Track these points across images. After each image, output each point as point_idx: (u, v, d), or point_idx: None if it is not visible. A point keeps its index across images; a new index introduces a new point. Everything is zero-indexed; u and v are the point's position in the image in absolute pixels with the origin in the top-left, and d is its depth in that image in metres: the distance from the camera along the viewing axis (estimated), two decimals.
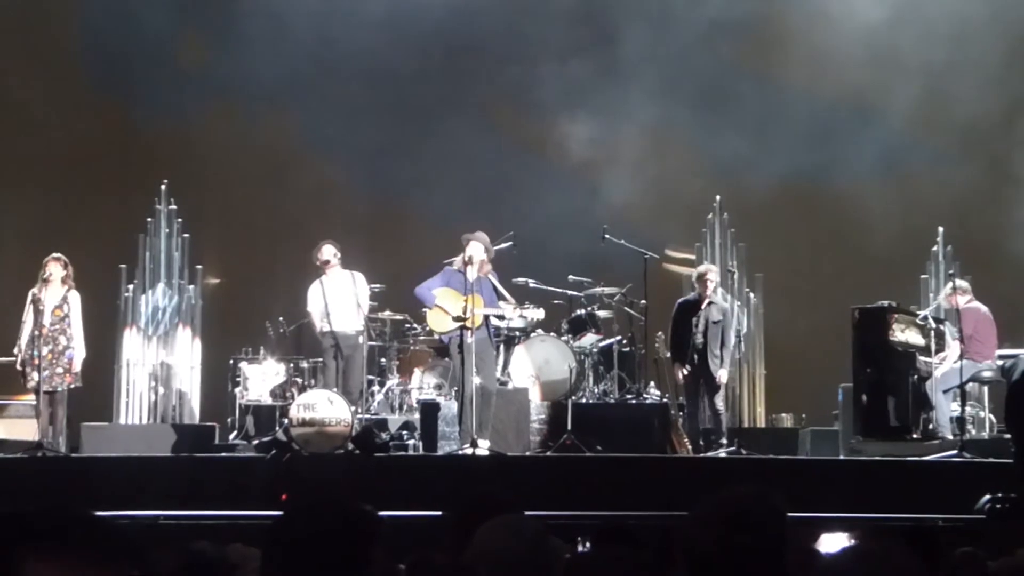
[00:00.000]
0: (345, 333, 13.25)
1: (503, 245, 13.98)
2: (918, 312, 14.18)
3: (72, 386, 12.82)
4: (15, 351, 12.84)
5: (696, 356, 13.28)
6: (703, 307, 13.36)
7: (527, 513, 4.28)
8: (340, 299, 13.31)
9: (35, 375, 12.55)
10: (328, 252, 13.37)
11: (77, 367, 12.81)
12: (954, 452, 12.36)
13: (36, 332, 12.56)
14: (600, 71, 17.84)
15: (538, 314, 13.24)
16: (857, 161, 17.75)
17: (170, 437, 14.00)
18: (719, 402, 13.34)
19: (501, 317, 13.19)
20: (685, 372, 13.40)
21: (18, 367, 12.83)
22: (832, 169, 17.75)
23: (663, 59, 17.58)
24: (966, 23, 17.00)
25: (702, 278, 13.61)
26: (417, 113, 17.92)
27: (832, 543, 7.90)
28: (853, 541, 7.77)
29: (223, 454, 13.58)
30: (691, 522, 3.42)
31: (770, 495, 3.49)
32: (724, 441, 13.11)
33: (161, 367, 15.38)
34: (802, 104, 17.68)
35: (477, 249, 12.70)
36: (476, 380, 12.42)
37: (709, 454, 12.97)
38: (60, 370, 12.69)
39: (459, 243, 12.92)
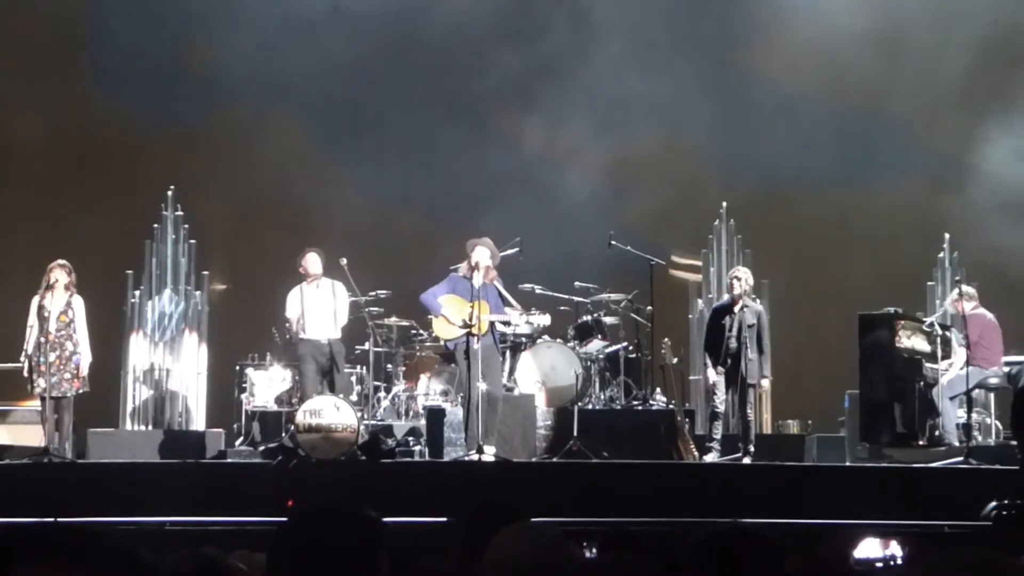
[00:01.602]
0: (320, 342, 13.16)
1: (509, 251, 14.00)
2: (924, 318, 14.16)
3: (80, 391, 12.83)
4: (21, 358, 12.84)
5: (730, 360, 12.96)
6: (736, 310, 13.06)
7: (533, 520, 4.28)
8: (319, 308, 13.19)
9: (41, 381, 12.55)
10: (313, 263, 13.24)
11: (84, 372, 12.81)
12: (960, 459, 12.35)
13: (42, 338, 12.57)
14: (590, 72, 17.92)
15: (544, 320, 13.21)
16: (863, 166, 17.75)
17: (176, 443, 14.01)
18: (749, 410, 12.97)
19: (507, 323, 13.17)
20: (718, 371, 13.01)
21: (24, 374, 12.83)
22: (838, 174, 17.75)
23: (662, 60, 17.60)
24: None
25: (730, 281, 13.47)
26: (418, 115, 17.94)
27: (870, 548, 7.89)
28: (898, 547, 7.76)
29: (229, 460, 13.59)
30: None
31: (747, 529, 3.51)
32: (752, 449, 12.84)
33: (165, 372, 15.37)
34: (807, 108, 17.68)
35: (483, 255, 12.66)
36: (482, 386, 12.42)
37: (725, 459, 12.85)
38: (68, 375, 12.70)
39: (465, 248, 12.91)
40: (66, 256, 13.07)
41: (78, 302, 12.88)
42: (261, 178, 17.82)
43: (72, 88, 17.92)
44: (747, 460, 12.71)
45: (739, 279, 13.16)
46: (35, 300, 12.77)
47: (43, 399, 12.64)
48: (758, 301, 14.19)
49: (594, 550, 5.13)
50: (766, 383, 13.16)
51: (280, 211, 17.74)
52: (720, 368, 13.01)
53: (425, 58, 18.08)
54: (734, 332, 12.92)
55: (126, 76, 17.63)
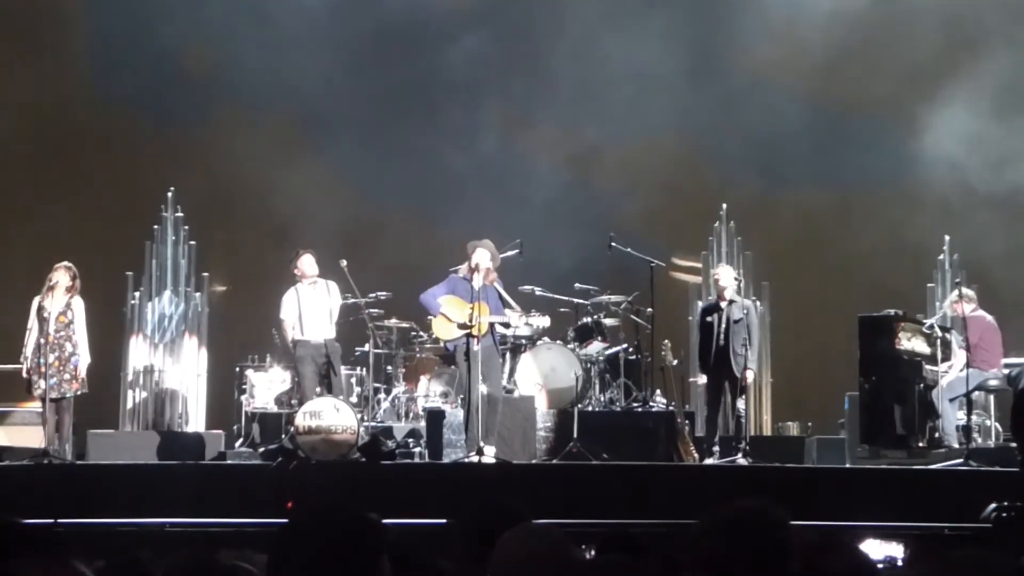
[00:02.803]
0: (318, 342, 13.16)
1: (510, 252, 13.99)
2: (924, 320, 14.16)
3: (79, 392, 12.83)
4: (21, 359, 12.85)
5: (718, 357, 13.03)
6: (723, 307, 13.11)
7: (536, 521, 4.28)
8: (314, 309, 13.18)
9: (41, 382, 12.55)
10: (309, 265, 13.23)
11: (83, 373, 12.81)
12: (960, 460, 12.34)
13: (42, 340, 12.57)
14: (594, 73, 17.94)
15: (543, 322, 13.23)
16: (864, 167, 17.74)
17: (176, 444, 13.99)
18: (741, 406, 13.02)
19: (507, 325, 13.17)
20: (704, 378, 13.16)
21: (24, 375, 12.84)
22: (839, 176, 17.75)
23: (661, 57, 17.60)
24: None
25: (715, 280, 13.55)
26: (418, 114, 17.94)
27: (874, 550, 7.91)
28: (899, 549, 7.77)
29: (229, 462, 13.58)
30: (696, 538, 3.43)
31: (772, 508, 3.50)
32: (745, 447, 12.85)
33: (165, 374, 15.36)
34: (806, 108, 17.69)
35: (483, 257, 12.67)
36: (482, 388, 12.42)
37: (722, 461, 12.84)
38: (67, 376, 12.70)
39: (465, 249, 12.92)
40: (66, 257, 13.06)
41: (78, 303, 12.88)
42: (262, 178, 17.80)
43: (72, 88, 17.92)
44: (742, 460, 12.70)
45: (721, 279, 13.22)
46: (35, 301, 12.78)
47: (43, 400, 12.65)
48: (756, 301, 14.22)
49: (592, 552, 5.13)
50: (750, 375, 13.20)
51: (280, 211, 17.73)
52: (710, 369, 13.09)
53: (417, 56, 18.07)
54: (722, 329, 12.96)
55: (126, 77, 17.64)
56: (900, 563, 6.90)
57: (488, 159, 17.54)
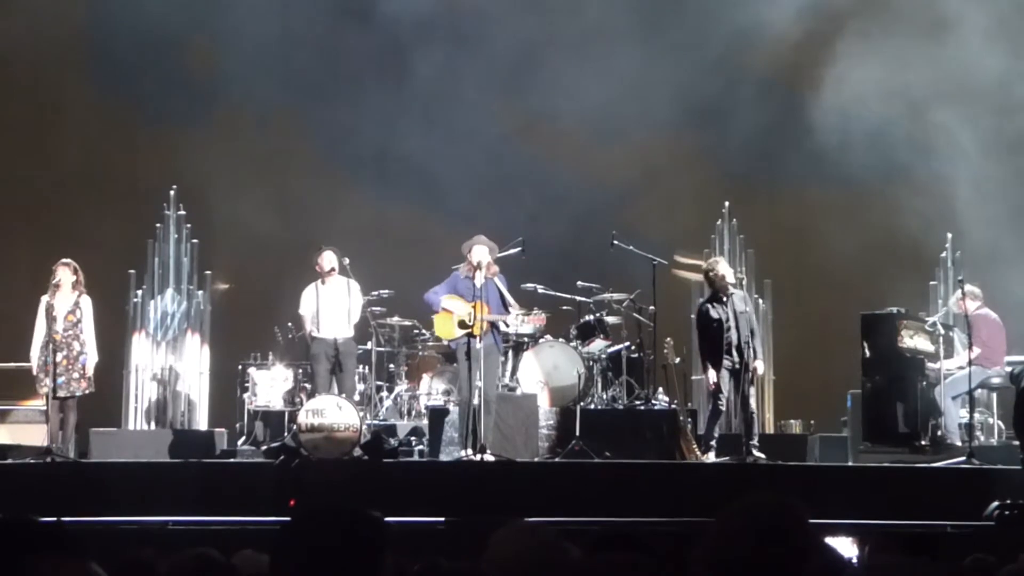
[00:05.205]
0: (332, 340, 13.18)
1: (512, 251, 13.99)
2: (927, 318, 14.16)
3: (87, 391, 12.83)
4: (31, 357, 12.85)
5: (735, 352, 12.65)
6: (725, 300, 12.81)
7: (529, 520, 4.28)
8: (333, 306, 13.22)
9: (48, 381, 12.55)
10: (329, 260, 13.27)
11: (90, 372, 12.82)
12: (962, 459, 12.35)
13: (49, 338, 12.58)
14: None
15: (540, 322, 13.28)
16: (864, 165, 17.71)
17: (178, 443, 14.00)
18: (752, 402, 12.74)
19: (506, 324, 13.13)
20: (725, 364, 12.64)
21: (34, 374, 12.84)
22: (840, 173, 17.72)
23: (664, 55, 17.60)
24: None
25: (719, 275, 13.20)
26: (419, 112, 17.93)
27: (836, 547, 7.92)
28: (856, 548, 7.79)
29: (231, 460, 13.60)
30: (718, 535, 3.40)
31: (793, 504, 3.47)
32: (756, 443, 12.61)
33: (168, 372, 15.37)
34: (806, 106, 17.67)
35: (482, 253, 12.68)
36: (479, 386, 12.43)
37: (733, 459, 12.71)
38: (76, 375, 12.70)
39: (462, 251, 12.91)
40: (69, 255, 13.07)
41: (86, 302, 12.89)
42: (261, 177, 17.81)
43: (76, 88, 17.92)
44: (760, 455, 12.54)
45: (723, 268, 13.01)
46: (43, 300, 12.78)
47: (49, 398, 12.65)
48: (758, 297, 14.16)
49: (586, 550, 5.13)
50: (760, 365, 13.09)
51: (282, 211, 17.74)
52: (727, 363, 12.76)
53: (419, 55, 18.09)
54: (732, 323, 12.77)
55: (130, 75, 17.65)
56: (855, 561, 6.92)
57: (491, 156, 17.53)
